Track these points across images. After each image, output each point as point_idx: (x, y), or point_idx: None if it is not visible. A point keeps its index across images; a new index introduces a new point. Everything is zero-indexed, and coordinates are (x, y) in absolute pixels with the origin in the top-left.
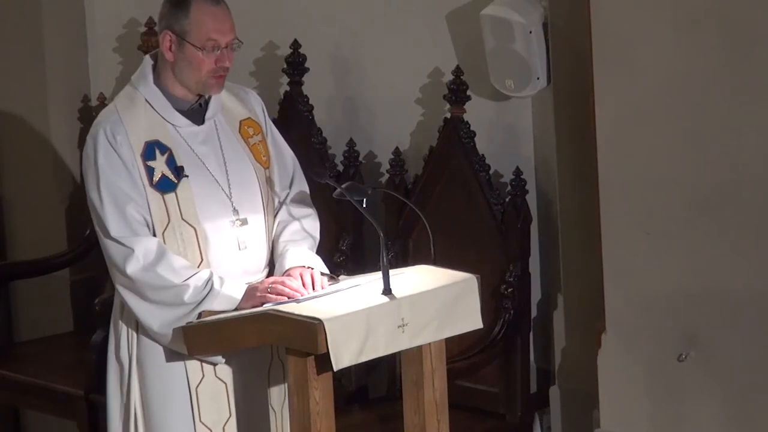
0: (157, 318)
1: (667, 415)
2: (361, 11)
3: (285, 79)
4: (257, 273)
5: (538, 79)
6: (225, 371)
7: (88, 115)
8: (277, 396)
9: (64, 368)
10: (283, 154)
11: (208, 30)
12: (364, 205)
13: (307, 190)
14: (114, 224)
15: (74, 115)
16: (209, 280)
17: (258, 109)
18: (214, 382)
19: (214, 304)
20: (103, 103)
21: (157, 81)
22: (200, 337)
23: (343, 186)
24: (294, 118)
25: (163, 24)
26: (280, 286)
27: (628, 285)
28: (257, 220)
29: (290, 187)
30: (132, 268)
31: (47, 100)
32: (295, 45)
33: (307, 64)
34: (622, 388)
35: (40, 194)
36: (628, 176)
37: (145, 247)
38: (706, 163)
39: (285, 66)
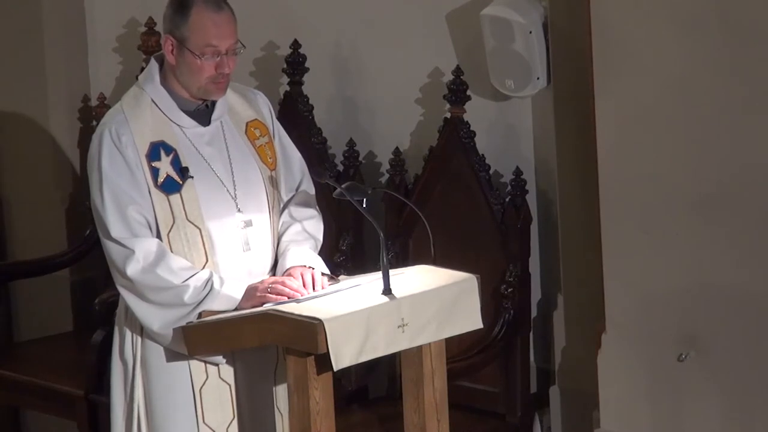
0: (158, 318)
1: (667, 415)
2: (360, 11)
3: (285, 79)
4: (262, 274)
5: (538, 79)
6: (229, 373)
7: (88, 115)
8: (283, 397)
9: (64, 368)
10: (291, 157)
11: (208, 37)
12: (364, 205)
13: (313, 192)
14: (115, 225)
15: (74, 115)
16: (209, 280)
17: (265, 110)
18: (218, 384)
19: (214, 305)
20: (103, 103)
21: (164, 82)
22: (200, 337)
23: (343, 186)
24: (294, 118)
25: (165, 27)
26: (280, 286)
27: (628, 285)
28: (262, 221)
29: (297, 189)
30: (132, 269)
31: (47, 100)
32: (295, 45)
33: (307, 64)
34: (622, 388)
35: (40, 194)
36: (628, 176)
37: (145, 249)
38: (706, 163)
39: (285, 66)
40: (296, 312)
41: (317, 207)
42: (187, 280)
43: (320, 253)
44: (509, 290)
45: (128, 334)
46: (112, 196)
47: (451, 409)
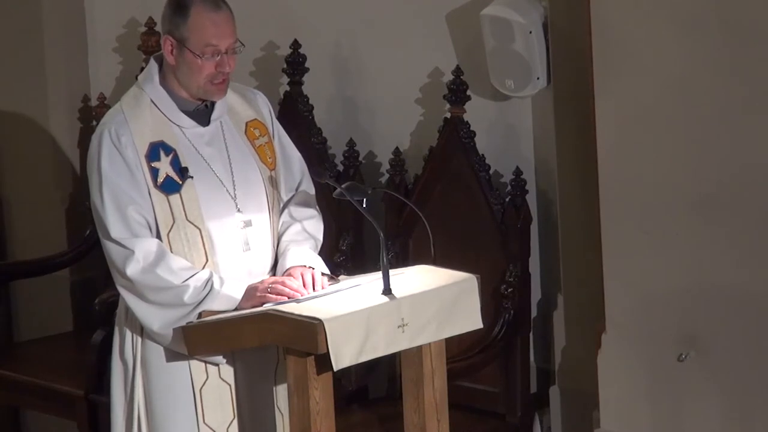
0: (158, 318)
1: (667, 415)
2: (360, 11)
3: (285, 79)
4: (262, 275)
5: (538, 79)
6: (229, 373)
7: (88, 115)
8: (284, 397)
9: (64, 368)
10: (291, 157)
11: (207, 36)
12: (364, 205)
13: (313, 192)
14: (114, 226)
15: (74, 115)
16: (209, 280)
17: (265, 110)
18: (218, 384)
19: (214, 305)
20: (103, 103)
21: (163, 82)
22: (200, 337)
23: (343, 186)
24: (294, 118)
25: (164, 28)
26: (280, 286)
27: (628, 285)
28: (262, 221)
29: (296, 189)
30: (132, 269)
31: (47, 100)
32: (295, 45)
33: (307, 64)
34: (622, 388)
35: (40, 194)
36: (628, 176)
37: (145, 249)
38: (706, 163)
39: (285, 66)
40: (296, 312)
41: (317, 207)
42: (187, 280)
43: (320, 253)
44: (509, 290)
45: (128, 334)
46: (111, 196)
47: (451, 409)
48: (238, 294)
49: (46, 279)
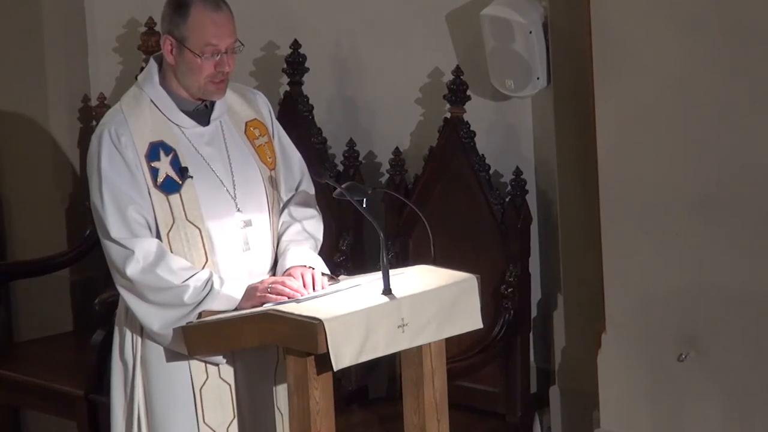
0: (158, 318)
1: (667, 415)
2: (360, 11)
3: (285, 79)
4: (262, 274)
5: (538, 79)
6: (229, 372)
7: (88, 115)
8: (284, 397)
9: (64, 368)
10: (291, 157)
11: (207, 36)
12: (364, 205)
13: (313, 192)
14: (114, 226)
15: (74, 115)
16: (209, 280)
17: (265, 110)
18: (218, 384)
19: (214, 305)
20: (103, 103)
21: (163, 82)
22: (200, 337)
23: (343, 186)
24: (294, 118)
25: (164, 28)
26: (280, 286)
27: (628, 285)
28: (262, 221)
29: (296, 189)
30: (132, 269)
31: (47, 100)
32: (295, 45)
33: (307, 64)
34: (622, 388)
35: (40, 194)
36: (628, 176)
37: (144, 249)
38: (706, 163)
39: (285, 66)
40: (296, 312)
41: (317, 207)
42: (187, 280)
43: (320, 253)
44: (509, 290)
45: (128, 334)
46: (111, 196)
47: (451, 409)
48: (238, 294)
49: (46, 279)
